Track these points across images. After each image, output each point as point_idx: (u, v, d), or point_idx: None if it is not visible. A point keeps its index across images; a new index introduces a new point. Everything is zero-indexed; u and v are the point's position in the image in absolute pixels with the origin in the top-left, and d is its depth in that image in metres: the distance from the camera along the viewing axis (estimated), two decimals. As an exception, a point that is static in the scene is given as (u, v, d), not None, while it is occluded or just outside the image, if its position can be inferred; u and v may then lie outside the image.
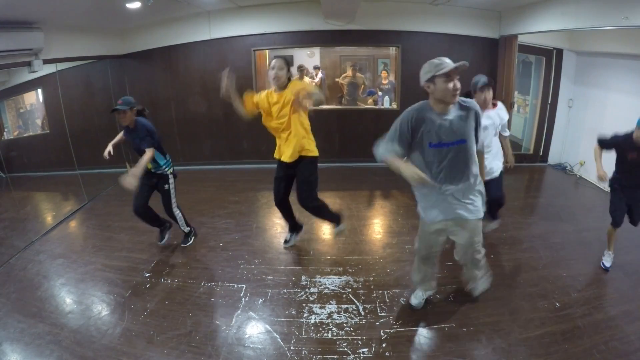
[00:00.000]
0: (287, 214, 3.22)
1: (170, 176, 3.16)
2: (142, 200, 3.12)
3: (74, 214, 4.30)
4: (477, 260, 2.32)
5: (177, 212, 3.27)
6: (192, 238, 3.44)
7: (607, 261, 2.90)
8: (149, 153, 2.85)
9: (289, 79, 2.78)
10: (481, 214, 2.12)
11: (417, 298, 2.50)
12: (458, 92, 1.86)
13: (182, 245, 3.37)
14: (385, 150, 2.07)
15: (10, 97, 5.13)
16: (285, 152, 2.85)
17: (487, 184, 2.94)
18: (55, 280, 2.94)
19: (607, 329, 2.27)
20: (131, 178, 2.64)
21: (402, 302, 2.57)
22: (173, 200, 3.20)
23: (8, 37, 3.34)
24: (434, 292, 2.59)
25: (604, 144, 3.02)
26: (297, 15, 5.06)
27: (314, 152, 2.94)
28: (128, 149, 5.71)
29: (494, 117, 2.98)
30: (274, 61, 2.74)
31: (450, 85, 1.81)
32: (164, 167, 3.10)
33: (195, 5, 4.65)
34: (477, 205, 2.10)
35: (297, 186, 2.95)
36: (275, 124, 2.84)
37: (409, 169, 1.85)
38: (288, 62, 2.81)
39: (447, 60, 1.83)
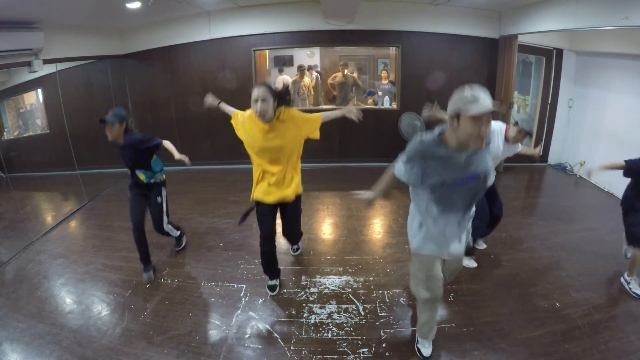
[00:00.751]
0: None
1: (163, 188, 2.92)
2: (140, 215, 2.83)
3: (74, 214, 4.30)
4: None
5: (169, 227, 3.03)
6: (184, 239, 3.32)
7: (637, 288, 2.59)
8: (165, 142, 2.83)
9: (277, 107, 2.35)
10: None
11: (426, 347, 2.13)
12: (486, 138, 1.55)
13: (176, 248, 3.26)
14: (400, 172, 1.82)
15: (10, 97, 5.13)
16: (284, 192, 2.49)
17: (487, 196, 2.86)
18: (55, 280, 2.94)
19: (607, 329, 2.27)
20: (176, 153, 2.72)
21: (402, 302, 2.57)
22: (165, 217, 2.94)
23: (8, 37, 3.34)
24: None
25: (630, 172, 2.64)
26: (297, 15, 5.06)
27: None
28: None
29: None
30: (255, 91, 2.25)
31: (478, 129, 1.49)
32: (159, 173, 2.89)
33: (195, 5, 4.65)
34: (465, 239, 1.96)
35: (289, 222, 2.73)
36: (267, 155, 2.45)
37: (366, 194, 1.91)
38: (272, 89, 2.31)
39: (482, 97, 1.48)
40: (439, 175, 1.65)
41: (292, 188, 2.51)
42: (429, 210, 1.79)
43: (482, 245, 3.28)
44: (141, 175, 2.79)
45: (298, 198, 2.63)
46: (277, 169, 2.46)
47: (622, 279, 2.70)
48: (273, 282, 2.73)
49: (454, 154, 1.60)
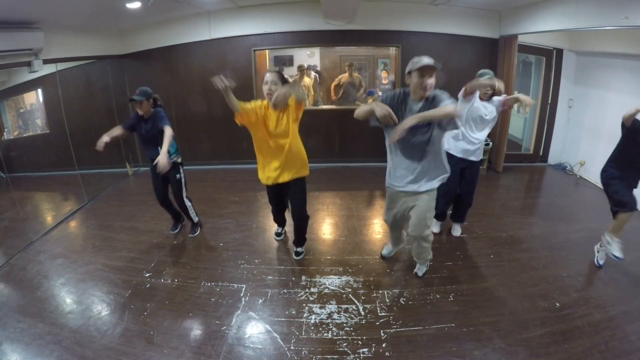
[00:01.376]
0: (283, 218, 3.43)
1: (180, 167, 3.30)
2: (162, 190, 3.33)
3: (74, 214, 4.30)
4: (426, 236, 2.56)
5: (188, 203, 3.42)
6: (199, 229, 3.59)
7: (617, 251, 2.78)
8: (168, 130, 2.97)
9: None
10: (433, 188, 2.45)
11: (387, 250, 3.06)
12: (428, 88, 2.19)
13: (190, 235, 3.53)
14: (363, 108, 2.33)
15: (10, 97, 5.13)
16: (286, 172, 2.72)
17: (463, 170, 3.15)
18: (55, 280, 2.94)
19: (607, 329, 2.27)
20: (163, 157, 2.81)
21: (402, 302, 2.57)
22: (184, 190, 3.35)
23: (8, 37, 3.34)
24: (404, 245, 3.10)
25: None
26: (297, 15, 5.06)
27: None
28: (128, 149, 5.74)
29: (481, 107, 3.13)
30: (267, 75, 2.59)
31: (422, 80, 2.16)
32: (174, 156, 3.20)
33: (195, 5, 4.65)
34: (431, 183, 2.44)
35: (296, 200, 2.89)
36: (272, 137, 2.66)
37: (379, 106, 2.18)
38: (283, 75, 2.61)
39: (425, 60, 2.14)
40: (401, 115, 2.26)
41: (292, 166, 2.85)
42: (392, 151, 2.56)
43: (435, 228, 3.51)
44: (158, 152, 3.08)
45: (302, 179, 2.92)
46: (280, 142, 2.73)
47: (596, 246, 2.99)
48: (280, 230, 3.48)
49: (413, 102, 2.29)
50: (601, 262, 2.93)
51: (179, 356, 2.14)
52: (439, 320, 2.39)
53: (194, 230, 3.57)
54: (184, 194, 3.38)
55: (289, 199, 2.98)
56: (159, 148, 3.00)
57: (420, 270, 2.85)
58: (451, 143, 3.12)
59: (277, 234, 3.53)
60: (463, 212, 3.43)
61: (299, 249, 3.17)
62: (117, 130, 3.10)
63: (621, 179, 2.75)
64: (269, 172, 2.78)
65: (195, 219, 3.54)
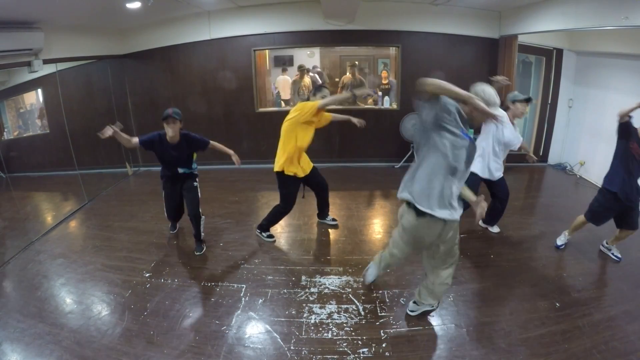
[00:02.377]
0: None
1: (197, 177, 3.33)
2: (179, 202, 3.32)
3: (74, 214, 4.30)
4: (455, 259, 2.23)
5: (201, 216, 3.24)
6: (204, 247, 3.30)
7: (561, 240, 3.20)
8: (212, 143, 3.19)
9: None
10: None
11: (372, 277, 2.63)
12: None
13: (197, 253, 3.23)
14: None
15: (10, 97, 5.12)
16: (305, 166, 3.25)
17: (496, 183, 3.25)
18: (55, 280, 2.94)
19: (607, 329, 2.27)
20: (233, 155, 3.21)
21: (402, 302, 2.57)
22: (199, 199, 3.26)
23: (8, 37, 3.34)
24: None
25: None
26: (297, 15, 5.06)
27: None
28: (128, 149, 5.73)
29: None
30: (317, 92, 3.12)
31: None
32: (194, 169, 3.32)
33: (195, 5, 4.65)
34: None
35: (321, 184, 3.46)
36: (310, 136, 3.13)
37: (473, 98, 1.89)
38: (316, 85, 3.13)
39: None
40: (455, 124, 1.87)
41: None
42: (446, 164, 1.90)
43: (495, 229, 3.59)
44: (180, 170, 3.18)
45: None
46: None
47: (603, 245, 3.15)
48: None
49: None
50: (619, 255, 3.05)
51: (179, 356, 2.14)
52: (439, 320, 2.39)
53: (200, 247, 3.26)
54: (199, 207, 3.23)
55: (313, 186, 3.45)
56: (184, 168, 3.18)
57: (416, 308, 2.42)
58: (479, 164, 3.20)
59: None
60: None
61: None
62: (131, 139, 2.89)
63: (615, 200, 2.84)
64: (305, 164, 3.25)
65: (202, 235, 3.29)
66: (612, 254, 3.06)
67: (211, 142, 3.20)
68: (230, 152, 3.24)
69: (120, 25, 5.08)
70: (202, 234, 3.29)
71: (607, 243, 3.14)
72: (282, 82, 6.91)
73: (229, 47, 5.32)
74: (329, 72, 7.42)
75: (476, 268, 2.97)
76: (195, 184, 3.25)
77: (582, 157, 5.25)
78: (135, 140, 2.94)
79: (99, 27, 4.73)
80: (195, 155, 3.28)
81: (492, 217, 3.49)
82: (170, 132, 2.92)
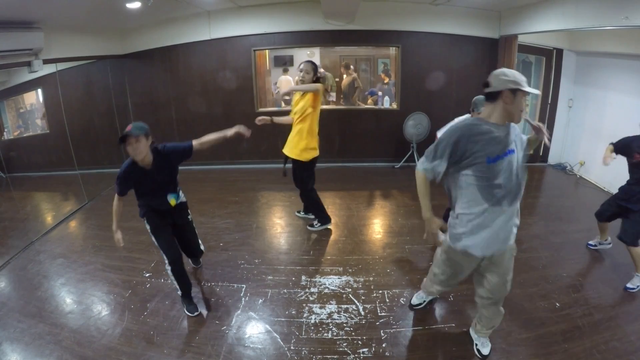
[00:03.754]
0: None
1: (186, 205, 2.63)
2: (177, 247, 2.50)
3: (74, 214, 4.30)
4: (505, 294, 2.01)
5: (203, 247, 2.88)
6: (201, 261, 3.06)
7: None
8: (201, 138, 2.45)
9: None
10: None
11: (418, 299, 2.50)
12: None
13: (194, 265, 3.04)
14: (426, 170, 1.78)
15: (10, 97, 5.12)
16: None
17: None
18: (55, 280, 2.94)
19: (607, 329, 2.27)
20: (244, 129, 2.43)
21: (402, 302, 2.57)
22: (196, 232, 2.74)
23: (8, 37, 3.33)
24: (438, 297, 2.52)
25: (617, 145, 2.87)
26: (297, 15, 5.06)
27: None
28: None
29: None
30: (302, 64, 3.19)
31: (523, 105, 1.69)
32: (183, 196, 2.59)
33: (195, 5, 4.65)
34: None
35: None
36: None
37: (431, 222, 1.84)
38: (315, 66, 3.22)
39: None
40: (483, 150, 1.66)
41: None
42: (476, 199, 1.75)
43: None
44: (172, 200, 2.41)
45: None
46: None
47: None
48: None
49: (496, 127, 1.69)
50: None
51: (179, 356, 2.14)
52: (439, 320, 2.39)
53: (197, 261, 3.03)
54: (198, 237, 2.78)
55: None
56: (174, 195, 2.42)
57: (485, 345, 2.13)
58: None
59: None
60: None
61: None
62: (119, 213, 2.41)
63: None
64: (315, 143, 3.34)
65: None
66: (601, 244, 3.19)
67: (195, 142, 2.47)
68: (230, 131, 2.46)
69: (120, 25, 5.07)
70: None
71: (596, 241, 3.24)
72: (284, 82, 6.92)
73: (229, 47, 5.32)
74: (329, 73, 7.41)
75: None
76: (189, 217, 2.63)
77: (582, 157, 5.25)
78: (116, 198, 2.36)
79: (99, 27, 4.73)
80: None
81: None
82: (137, 155, 2.13)
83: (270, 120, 3.24)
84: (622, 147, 2.78)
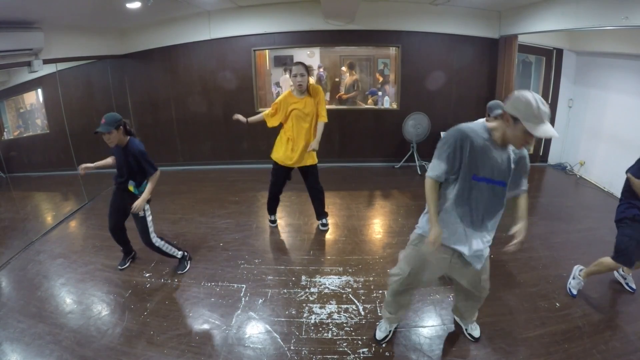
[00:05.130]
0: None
1: (147, 203, 2.75)
2: (115, 221, 2.89)
3: (74, 214, 4.30)
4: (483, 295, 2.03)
5: (158, 241, 2.84)
6: (189, 262, 3.04)
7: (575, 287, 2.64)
8: (155, 175, 2.65)
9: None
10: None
11: (383, 331, 2.24)
12: (529, 146, 1.61)
13: (179, 271, 2.97)
14: (433, 171, 1.72)
15: (10, 97, 5.12)
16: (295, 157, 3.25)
17: None
18: (55, 280, 2.94)
19: (607, 329, 2.27)
20: (140, 203, 2.60)
21: (402, 302, 2.57)
22: (151, 229, 2.79)
23: (8, 37, 3.33)
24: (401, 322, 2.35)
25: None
26: (297, 15, 5.06)
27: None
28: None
29: None
30: (295, 67, 3.04)
31: (527, 140, 1.53)
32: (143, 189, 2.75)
33: (195, 5, 4.65)
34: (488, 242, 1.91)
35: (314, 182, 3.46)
36: (295, 124, 3.19)
37: (434, 230, 1.73)
38: (307, 66, 3.09)
39: (545, 113, 1.46)
40: (472, 164, 1.63)
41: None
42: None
43: None
44: (130, 187, 2.71)
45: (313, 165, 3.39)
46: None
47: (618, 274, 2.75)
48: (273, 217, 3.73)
49: (496, 146, 1.63)
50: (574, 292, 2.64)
51: (179, 356, 2.14)
52: (439, 320, 2.39)
53: (182, 267, 2.99)
54: (152, 235, 2.80)
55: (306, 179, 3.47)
56: (130, 181, 2.70)
57: (476, 328, 2.24)
58: None
59: (273, 222, 3.76)
60: None
61: (324, 220, 3.65)
62: (106, 162, 2.81)
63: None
64: (289, 152, 3.26)
65: (179, 254, 2.97)
66: (627, 284, 2.68)
67: (151, 179, 2.66)
68: (144, 197, 2.64)
69: (120, 25, 5.07)
70: (178, 253, 2.96)
71: (622, 270, 2.71)
72: (287, 82, 6.92)
73: (229, 47, 5.32)
74: (329, 73, 7.42)
75: (476, 268, 2.97)
76: (141, 213, 2.71)
77: (582, 157, 5.25)
78: (112, 158, 2.78)
79: (99, 27, 4.73)
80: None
81: None
82: (110, 143, 2.55)
83: (245, 121, 3.23)
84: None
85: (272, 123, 3.28)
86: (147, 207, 2.76)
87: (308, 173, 3.40)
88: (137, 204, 2.60)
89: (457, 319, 2.34)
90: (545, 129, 1.46)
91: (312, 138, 3.23)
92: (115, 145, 2.60)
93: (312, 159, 3.32)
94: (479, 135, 1.62)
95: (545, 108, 1.46)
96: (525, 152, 1.71)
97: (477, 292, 1.99)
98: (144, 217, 2.76)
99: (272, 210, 3.70)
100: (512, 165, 1.67)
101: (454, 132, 1.65)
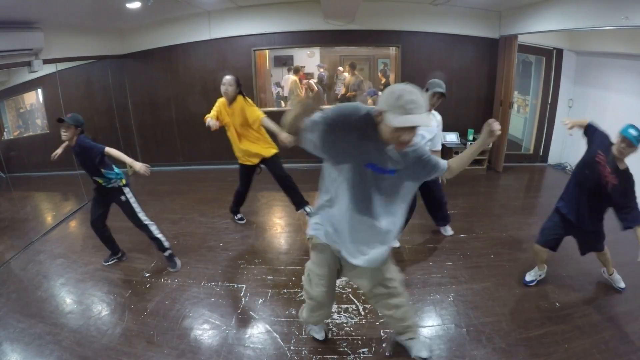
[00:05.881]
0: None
1: (125, 188, 2.88)
2: (94, 216, 2.95)
3: (74, 214, 4.30)
4: (393, 293, 1.80)
5: (148, 221, 2.94)
6: (178, 261, 3.05)
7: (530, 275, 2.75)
8: (109, 151, 2.67)
9: (238, 94, 3.22)
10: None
11: (318, 332, 2.21)
12: (408, 145, 1.43)
13: (172, 269, 3.00)
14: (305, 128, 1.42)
15: (10, 97, 5.12)
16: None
17: (427, 186, 2.99)
18: (55, 280, 2.94)
19: (607, 329, 2.27)
20: (135, 164, 2.59)
21: (402, 302, 2.57)
22: (137, 209, 2.91)
23: (8, 37, 3.34)
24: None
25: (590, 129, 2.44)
26: (297, 15, 5.06)
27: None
28: (128, 149, 5.73)
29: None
30: (225, 78, 3.18)
31: (398, 136, 1.35)
32: (114, 180, 2.83)
33: (195, 5, 4.65)
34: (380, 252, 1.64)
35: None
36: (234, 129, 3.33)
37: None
38: (238, 80, 3.22)
39: (410, 102, 1.28)
40: (348, 152, 1.47)
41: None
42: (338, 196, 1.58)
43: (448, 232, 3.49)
44: (99, 180, 2.82)
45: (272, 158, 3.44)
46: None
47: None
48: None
49: (378, 137, 1.43)
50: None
51: (179, 356, 2.14)
52: (439, 320, 2.39)
53: (173, 264, 3.01)
54: (140, 215, 2.91)
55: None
56: (100, 178, 2.79)
57: (422, 347, 2.00)
58: None
59: (240, 219, 3.85)
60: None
61: (307, 208, 3.61)
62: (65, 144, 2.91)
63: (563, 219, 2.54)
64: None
65: (166, 244, 3.00)
66: (614, 283, 2.70)
67: (109, 150, 2.68)
68: (135, 164, 2.62)
69: (120, 25, 5.07)
70: (166, 244, 2.98)
71: (605, 273, 2.76)
72: (291, 82, 6.91)
73: (229, 47, 5.31)
74: (329, 73, 7.42)
75: (476, 268, 2.97)
76: (123, 197, 2.86)
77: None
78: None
79: (99, 27, 4.73)
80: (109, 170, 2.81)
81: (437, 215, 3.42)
82: (63, 138, 2.70)
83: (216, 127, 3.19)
84: (598, 137, 2.36)
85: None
86: (126, 190, 2.90)
87: (270, 164, 3.45)
88: (135, 167, 2.59)
89: (403, 342, 2.05)
90: (407, 118, 1.27)
91: (258, 138, 3.34)
92: (71, 148, 2.76)
93: (267, 151, 3.37)
94: (363, 118, 1.47)
95: (411, 97, 1.28)
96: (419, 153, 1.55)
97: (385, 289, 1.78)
98: (127, 201, 2.90)
99: (236, 209, 3.83)
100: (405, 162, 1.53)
101: (344, 106, 1.52)
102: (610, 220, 2.87)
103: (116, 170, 2.86)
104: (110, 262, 3.15)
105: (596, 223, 2.44)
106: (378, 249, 1.63)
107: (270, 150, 3.40)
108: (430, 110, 2.83)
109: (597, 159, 2.26)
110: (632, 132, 2.08)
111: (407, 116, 1.28)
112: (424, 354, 1.97)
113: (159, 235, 2.98)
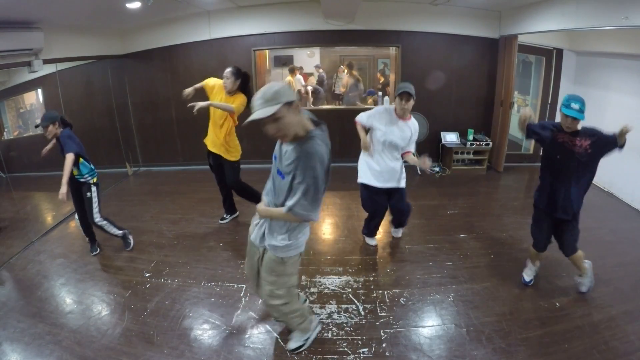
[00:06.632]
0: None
1: (93, 186, 3.09)
2: (75, 207, 3.21)
3: (74, 214, 4.29)
4: (271, 307, 1.94)
5: (101, 221, 3.15)
6: (131, 238, 3.38)
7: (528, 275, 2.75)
8: (68, 158, 2.84)
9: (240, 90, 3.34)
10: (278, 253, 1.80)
11: (298, 341, 2.19)
12: (277, 137, 1.60)
13: (127, 249, 3.33)
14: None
15: (10, 97, 5.13)
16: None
17: (392, 194, 3.03)
18: (55, 280, 2.94)
19: (607, 329, 2.27)
20: (62, 188, 2.77)
21: (402, 302, 2.57)
22: (95, 210, 3.10)
23: (8, 37, 3.34)
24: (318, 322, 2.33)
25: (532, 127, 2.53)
26: (297, 15, 5.06)
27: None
28: (128, 149, 5.73)
29: (406, 130, 2.86)
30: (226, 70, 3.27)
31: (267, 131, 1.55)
32: (87, 175, 3.06)
33: (195, 5, 4.65)
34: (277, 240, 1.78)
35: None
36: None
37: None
38: (237, 71, 3.29)
39: (256, 99, 1.49)
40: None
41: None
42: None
43: (372, 242, 3.39)
44: (74, 170, 2.99)
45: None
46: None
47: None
48: None
49: (279, 145, 1.74)
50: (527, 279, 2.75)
51: (179, 356, 2.14)
52: (439, 320, 2.39)
53: (127, 244, 3.34)
54: (95, 215, 3.11)
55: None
56: (79, 167, 3.01)
57: (291, 338, 2.17)
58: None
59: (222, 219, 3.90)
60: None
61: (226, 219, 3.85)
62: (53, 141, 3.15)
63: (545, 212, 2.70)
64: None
65: (119, 233, 3.28)
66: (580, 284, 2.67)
67: (67, 158, 2.86)
68: (63, 181, 2.80)
69: (120, 25, 5.07)
70: (118, 232, 3.27)
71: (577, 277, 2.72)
72: (294, 83, 6.93)
73: (229, 47, 5.31)
74: (329, 73, 7.43)
75: (476, 268, 2.97)
76: (88, 194, 3.07)
77: (582, 157, 5.24)
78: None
79: (98, 27, 4.73)
80: (81, 160, 3.03)
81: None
82: (47, 136, 3.00)
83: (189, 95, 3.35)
84: (542, 126, 2.49)
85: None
86: (94, 189, 3.10)
87: (226, 166, 3.52)
88: (60, 191, 2.77)
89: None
90: (252, 116, 1.48)
91: (221, 136, 3.43)
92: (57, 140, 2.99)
93: (228, 153, 3.45)
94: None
95: (259, 94, 1.49)
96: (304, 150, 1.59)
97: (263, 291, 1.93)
98: (90, 198, 3.09)
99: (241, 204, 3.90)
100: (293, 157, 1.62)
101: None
102: (609, 220, 2.88)
103: (91, 167, 3.11)
104: (96, 253, 3.31)
105: (580, 201, 2.46)
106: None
107: (230, 154, 3.48)
108: (403, 116, 2.79)
109: (560, 140, 2.35)
110: (574, 106, 2.17)
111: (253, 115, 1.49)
112: (290, 345, 2.16)
113: (118, 232, 3.27)
